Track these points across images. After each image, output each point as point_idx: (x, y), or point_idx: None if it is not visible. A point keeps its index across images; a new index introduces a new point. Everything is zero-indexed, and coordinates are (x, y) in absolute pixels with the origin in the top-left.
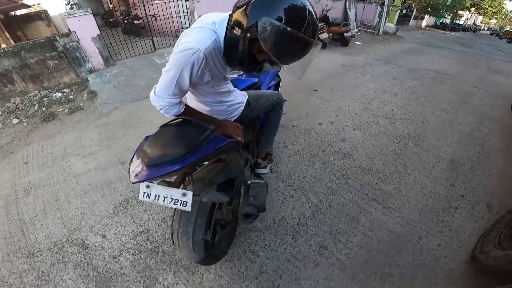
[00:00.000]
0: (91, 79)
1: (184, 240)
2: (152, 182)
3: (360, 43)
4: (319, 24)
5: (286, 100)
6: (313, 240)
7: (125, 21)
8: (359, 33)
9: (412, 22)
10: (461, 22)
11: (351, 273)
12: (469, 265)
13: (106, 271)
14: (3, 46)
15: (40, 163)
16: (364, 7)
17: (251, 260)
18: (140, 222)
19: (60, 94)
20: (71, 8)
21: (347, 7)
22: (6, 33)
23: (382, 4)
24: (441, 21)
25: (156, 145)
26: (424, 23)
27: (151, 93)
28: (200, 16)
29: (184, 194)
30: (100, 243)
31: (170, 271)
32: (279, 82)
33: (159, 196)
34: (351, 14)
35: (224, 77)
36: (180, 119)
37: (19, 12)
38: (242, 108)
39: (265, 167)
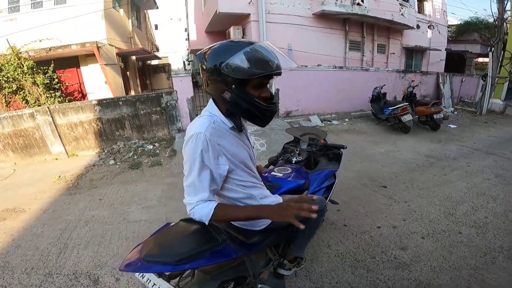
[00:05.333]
0: (177, 138)
1: None
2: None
3: (455, 126)
4: (402, 104)
5: (338, 203)
6: None
7: None
8: (455, 112)
9: None
10: None
11: None
12: None
13: None
14: (132, 93)
15: (110, 202)
16: (462, 80)
17: None
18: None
19: (151, 147)
20: (189, 64)
21: (440, 81)
22: (138, 80)
23: (484, 76)
24: None
25: (161, 240)
26: None
27: (184, 202)
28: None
29: None
30: (110, 284)
31: None
32: (333, 183)
33: (150, 280)
34: (446, 90)
35: (245, 164)
36: None
37: (153, 62)
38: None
39: (290, 269)
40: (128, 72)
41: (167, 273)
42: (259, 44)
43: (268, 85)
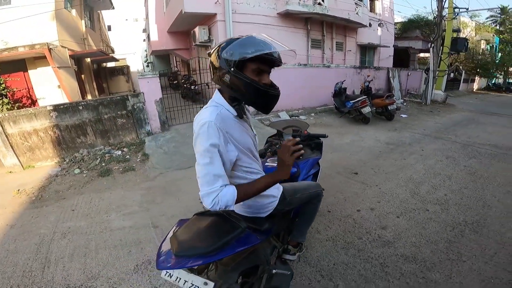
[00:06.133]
0: (147, 141)
1: None
2: None
3: (406, 115)
4: (362, 98)
5: (323, 190)
6: None
7: (184, 85)
8: (404, 103)
9: (462, 86)
10: None
11: None
12: None
13: None
14: (89, 97)
15: (85, 212)
16: (408, 74)
17: None
18: (156, 284)
19: (119, 152)
20: (147, 66)
21: (390, 75)
22: (94, 83)
23: (427, 70)
24: (493, 82)
25: (187, 235)
26: (475, 86)
27: (201, 196)
28: None
29: (206, 284)
30: None
31: None
32: (318, 170)
33: (180, 278)
34: (395, 83)
35: (250, 151)
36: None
37: (109, 64)
38: (276, 203)
39: (294, 254)
40: (83, 75)
41: (195, 268)
42: (254, 35)
43: (268, 75)
